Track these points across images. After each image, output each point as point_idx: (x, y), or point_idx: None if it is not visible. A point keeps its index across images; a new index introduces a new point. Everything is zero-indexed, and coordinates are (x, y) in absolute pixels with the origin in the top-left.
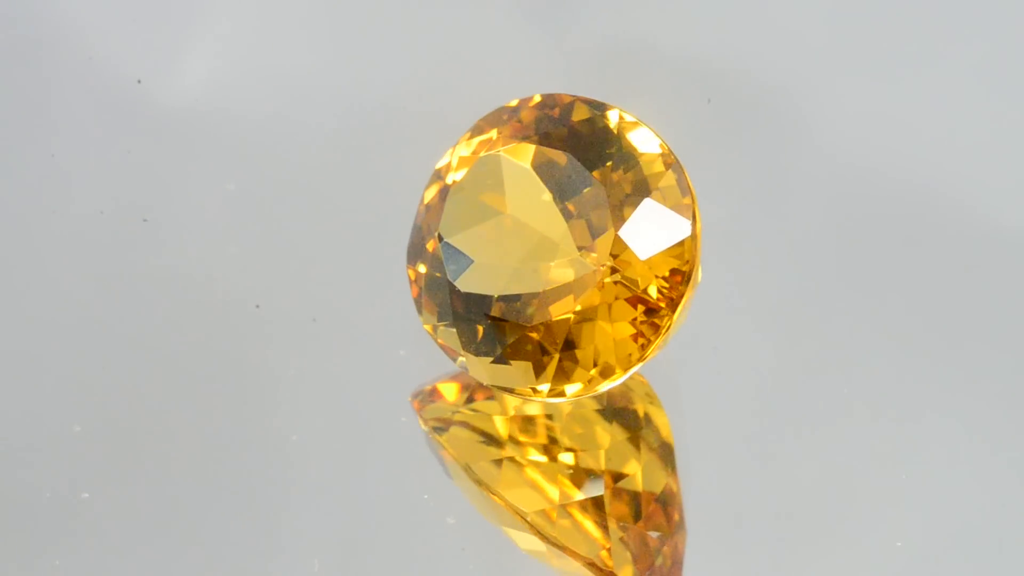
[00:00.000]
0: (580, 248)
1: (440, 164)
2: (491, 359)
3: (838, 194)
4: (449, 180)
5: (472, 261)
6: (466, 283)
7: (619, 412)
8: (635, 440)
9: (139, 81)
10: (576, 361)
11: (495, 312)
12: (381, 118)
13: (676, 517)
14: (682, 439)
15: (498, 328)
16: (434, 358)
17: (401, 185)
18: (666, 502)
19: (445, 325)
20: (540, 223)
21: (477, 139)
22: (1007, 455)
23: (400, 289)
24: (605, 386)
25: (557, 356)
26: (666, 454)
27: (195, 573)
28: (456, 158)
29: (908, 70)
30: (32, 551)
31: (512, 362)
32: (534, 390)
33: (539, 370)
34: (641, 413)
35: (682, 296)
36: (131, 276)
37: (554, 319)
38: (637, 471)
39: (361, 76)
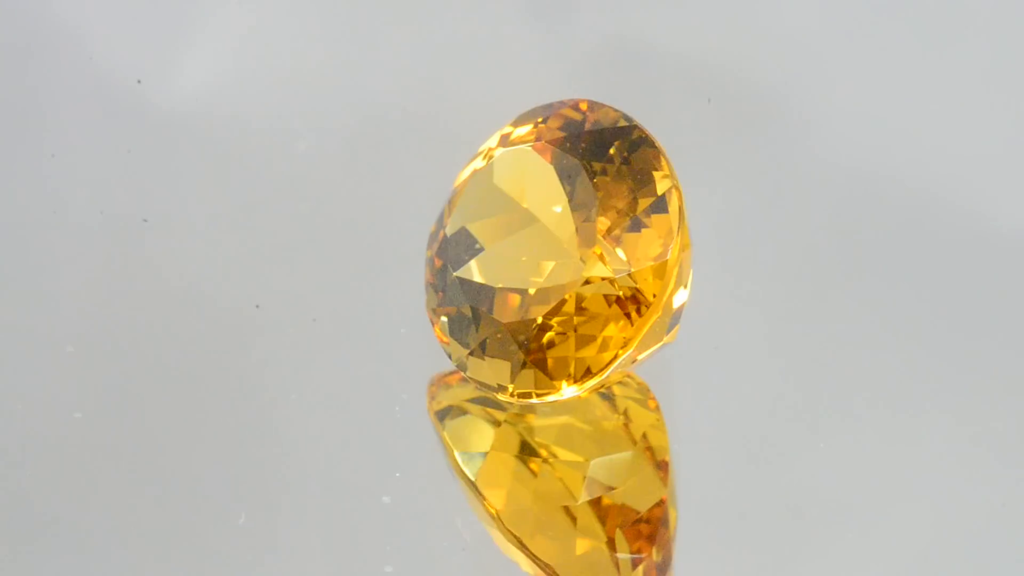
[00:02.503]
0: (582, 253)
1: (480, 150)
2: (468, 351)
3: (838, 194)
4: (477, 166)
5: (481, 250)
6: (469, 270)
7: (621, 425)
8: (632, 455)
9: (139, 81)
10: (551, 368)
11: (486, 305)
12: (381, 118)
13: (659, 541)
14: (681, 440)
15: (484, 321)
16: (437, 356)
17: (401, 185)
18: (652, 523)
19: (442, 312)
20: (552, 222)
21: (514, 131)
22: (1007, 455)
23: (401, 290)
24: (575, 391)
25: (533, 359)
26: (661, 474)
27: (195, 572)
28: (488, 147)
29: (908, 70)
30: (33, 551)
31: (487, 358)
32: (501, 387)
33: (514, 370)
34: (644, 428)
35: (651, 313)
36: (131, 276)
37: (541, 321)
38: (625, 487)
39: (361, 77)
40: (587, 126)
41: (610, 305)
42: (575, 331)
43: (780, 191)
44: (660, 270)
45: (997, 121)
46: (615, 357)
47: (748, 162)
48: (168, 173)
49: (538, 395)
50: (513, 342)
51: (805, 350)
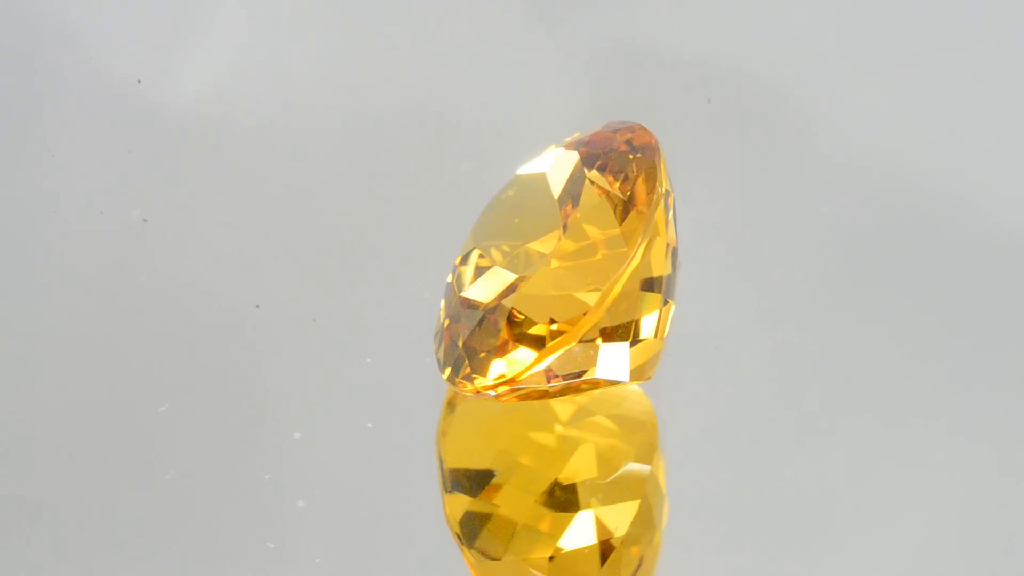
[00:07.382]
0: (550, 256)
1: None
2: (443, 321)
3: (838, 194)
4: (543, 155)
5: (508, 226)
6: (483, 239)
7: (615, 442)
8: (616, 479)
9: (139, 81)
10: (476, 363)
11: (471, 290)
12: (382, 119)
13: (622, 563)
14: (681, 439)
15: (457, 302)
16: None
17: (400, 185)
18: (603, 555)
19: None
20: (552, 222)
21: (583, 133)
22: (1007, 455)
23: (400, 289)
24: (490, 392)
25: (464, 345)
26: (631, 503)
27: (195, 571)
28: (557, 143)
29: (908, 71)
30: (35, 553)
31: (445, 334)
32: (444, 366)
33: (448, 355)
34: (634, 450)
35: (568, 338)
36: (131, 276)
37: (485, 312)
38: (605, 506)
39: (362, 78)
40: (619, 148)
41: (536, 314)
42: (507, 331)
43: (780, 191)
44: (600, 299)
45: (999, 120)
46: (527, 368)
47: (748, 162)
48: (168, 173)
49: (458, 384)
50: (455, 328)
51: (805, 351)
